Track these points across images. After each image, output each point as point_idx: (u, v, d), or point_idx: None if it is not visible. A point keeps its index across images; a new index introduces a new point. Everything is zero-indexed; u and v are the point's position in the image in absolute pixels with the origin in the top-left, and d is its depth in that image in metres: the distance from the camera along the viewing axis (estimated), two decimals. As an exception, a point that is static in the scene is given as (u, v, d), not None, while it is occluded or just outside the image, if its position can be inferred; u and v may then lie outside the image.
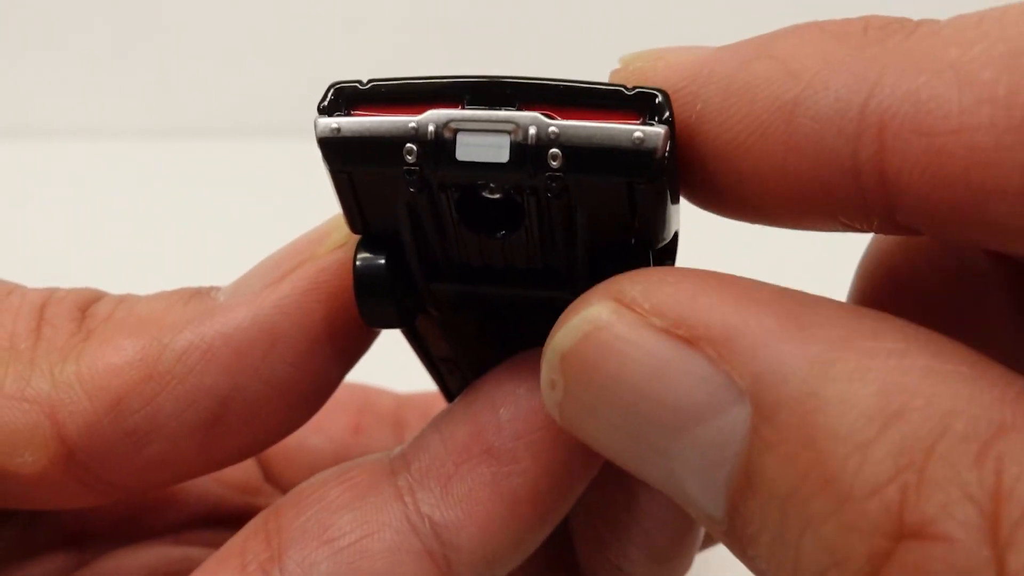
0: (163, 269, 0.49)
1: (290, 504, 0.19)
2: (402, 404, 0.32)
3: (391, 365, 0.28)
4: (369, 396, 0.31)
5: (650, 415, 0.15)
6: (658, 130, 0.16)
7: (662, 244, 0.18)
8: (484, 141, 0.16)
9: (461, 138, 0.16)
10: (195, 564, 0.19)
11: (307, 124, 0.17)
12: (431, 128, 0.16)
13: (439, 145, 0.16)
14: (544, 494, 0.19)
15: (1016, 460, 0.12)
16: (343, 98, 0.17)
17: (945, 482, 0.13)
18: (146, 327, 0.20)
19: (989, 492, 0.12)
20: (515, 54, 0.67)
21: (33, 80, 0.71)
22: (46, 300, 0.21)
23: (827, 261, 0.31)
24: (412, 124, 0.16)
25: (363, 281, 0.19)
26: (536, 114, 0.16)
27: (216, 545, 0.20)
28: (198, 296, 0.20)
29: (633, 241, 0.17)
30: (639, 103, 0.16)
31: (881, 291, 0.21)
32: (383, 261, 0.19)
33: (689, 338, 0.15)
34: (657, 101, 0.16)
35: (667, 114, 0.16)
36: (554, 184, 0.16)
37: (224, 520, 0.27)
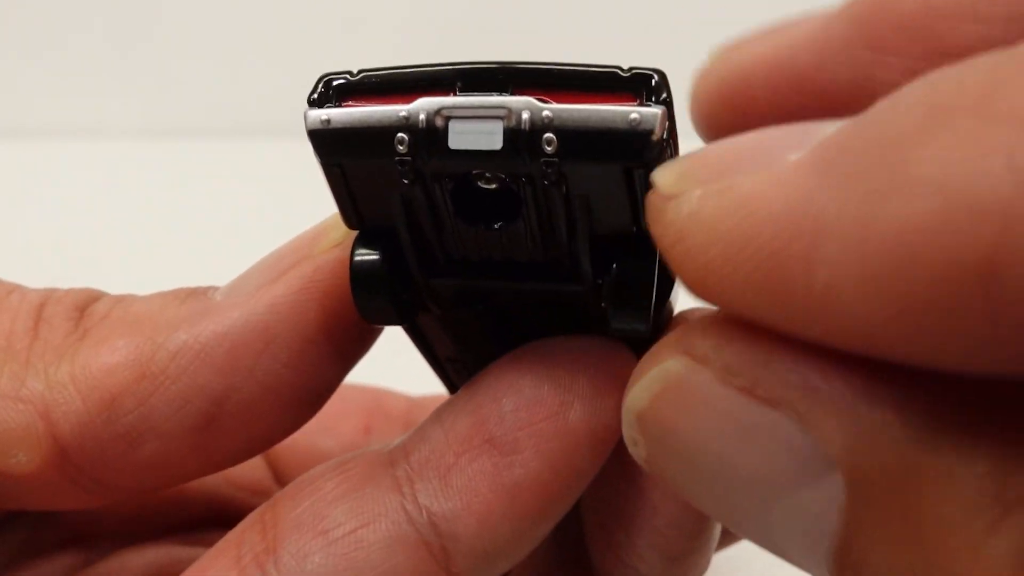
0: (162, 269, 0.49)
1: (287, 496, 0.19)
2: (414, 406, 0.31)
3: (403, 368, 0.28)
4: (380, 398, 0.31)
5: (738, 480, 0.14)
6: (655, 111, 0.15)
7: None
8: (477, 128, 0.16)
9: (453, 126, 0.16)
10: None
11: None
12: (422, 116, 0.16)
13: (431, 134, 0.16)
14: (546, 486, 0.18)
15: None
16: (333, 90, 0.17)
17: None
18: (141, 327, 0.20)
19: None
20: (516, 54, 0.67)
21: (33, 80, 0.71)
22: (45, 300, 0.21)
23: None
24: (403, 113, 0.16)
25: (359, 277, 0.18)
26: (529, 99, 0.16)
27: None
28: (194, 296, 0.20)
29: (635, 229, 0.17)
30: (636, 84, 0.16)
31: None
32: (380, 256, 0.18)
33: (771, 400, 0.14)
34: (654, 81, 0.16)
35: (664, 95, 0.16)
36: (550, 171, 0.16)
37: (233, 521, 0.27)
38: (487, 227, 0.17)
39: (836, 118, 0.14)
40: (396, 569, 0.18)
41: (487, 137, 0.16)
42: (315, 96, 0.17)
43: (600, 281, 0.18)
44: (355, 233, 0.19)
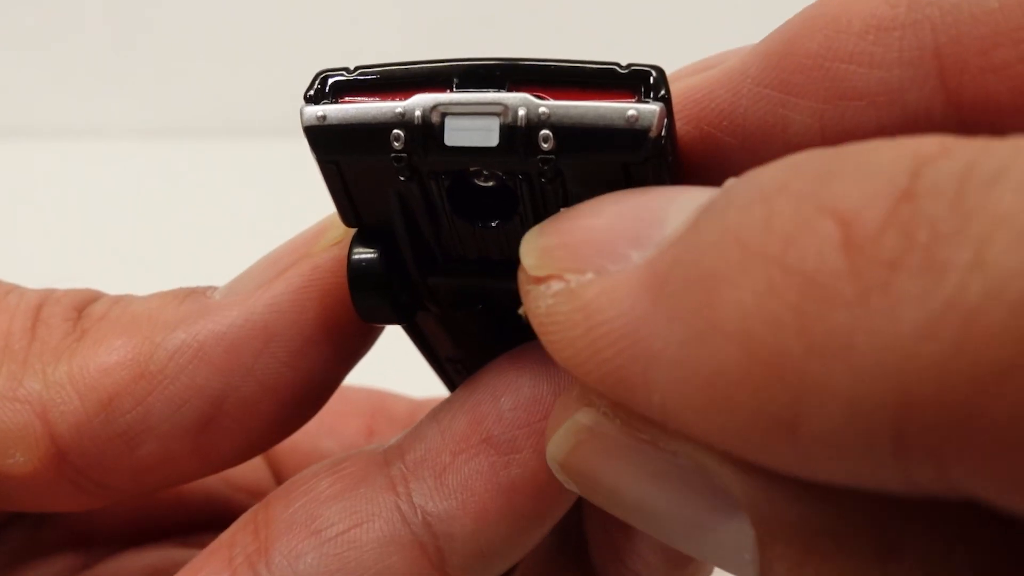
0: (161, 269, 0.49)
1: (280, 496, 0.19)
2: (417, 409, 0.31)
3: (406, 370, 0.28)
4: (383, 400, 0.31)
5: (661, 518, 0.15)
6: (653, 107, 0.15)
7: None
8: (473, 125, 0.16)
9: (449, 122, 0.16)
10: None
11: (303, 124, 0.17)
12: (418, 113, 0.16)
13: (427, 130, 0.16)
14: (543, 486, 0.18)
15: None
16: (330, 86, 0.17)
17: None
18: (139, 326, 0.20)
19: None
20: (513, 51, 0.67)
21: (33, 80, 0.71)
22: (43, 300, 0.21)
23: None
24: (399, 109, 0.16)
25: (357, 275, 0.18)
26: (526, 95, 0.16)
27: None
28: (193, 296, 0.20)
29: None
30: (634, 81, 0.16)
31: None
32: (377, 255, 0.18)
33: (672, 451, 0.14)
34: (652, 78, 0.16)
35: (663, 91, 0.15)
36: (546, 168, 0.16)
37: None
38: (484, 225, 0.17)
39: (707, 186, 0.14)
40: (390, 570, 0.18)
41: (483, 134, 0.16)
42: (311, 92, 0.17)
43: None
44: (352, 231, 0.19)
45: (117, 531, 0.25)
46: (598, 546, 0.24)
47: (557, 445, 0.16)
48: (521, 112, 0.16)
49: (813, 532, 0.13)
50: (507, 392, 0.19)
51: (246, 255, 0.21)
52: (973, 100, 0.16)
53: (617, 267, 0.14)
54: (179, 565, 0.21)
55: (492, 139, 0.16)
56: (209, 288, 0.21)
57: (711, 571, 0.24)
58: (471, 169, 0.16)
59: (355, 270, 0.18)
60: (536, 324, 0.15)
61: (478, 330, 0.21)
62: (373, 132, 0.16)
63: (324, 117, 0.16)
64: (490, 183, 0.17)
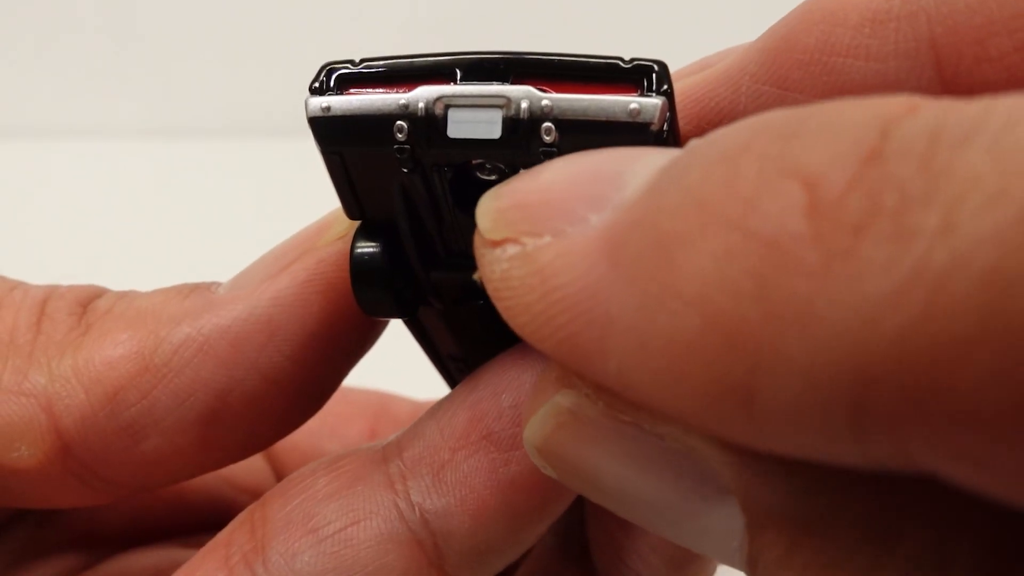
0: (164, 268, 0.49)
1: (277, 494, 0.19)
2: (419, 410, 0.31)
3: (409, 371, 0.28)
4: (386, 402, 0.31)
5: (645, 504, 0.15)
6: (655, 101, 0.15)
7: None
8: (476, 117, 0.16)
9: (452, 114, 0.16)
10: None
11: (307, 122, 0.17)
12: (421, 105, 0.16)
13: (430, 122, 0.16)
14: (542, 484, 0.18)
15: None
16: (335, 78, 0.17)
17: None
18: (144, 321, 0.20)
19: None
20: (517, 44, 0.67)
21: (33, 80, 0.71)
22: (47, 296, 0.21)
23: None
24: (402, 101, 0.16)
25: (359, 269, 0.18)
26: (528, 88, 0.16)
27: None
28: (197, 291, 0.20)
29: None
30: (636, 75, 0.16)
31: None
32: (380, 248, 0.18)
33: (659, 434, 0.14)
34: (655, 72, 0.16)
35: (665, 86, 0.16)
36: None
37: None
38: None
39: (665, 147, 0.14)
40: (387, 567, 0.18)
41: (486, 126, 0.16)
42: (317, 84, 0.17)
43: None
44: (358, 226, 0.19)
45: (119, 531, 0.25)
46: (599, 546, 0.24)
47: (534, 428, 0.16)
48: (524, 105, 0.16)
49: (805, 519, 0.13)
50: (508, 389, 0.19)
51: (248, 253, 0.22)
52: (969, 90, 0.16)
53: (575, 229, 0.13)
54: (180, 565, 0.21)
55: (495, 131, 0.16)
56: (213, 283, 0.21)
57: (714, 572, 0.24)
58: (474, 162, 0.17)
59: (358, 263, 0.18)
60: (491, 290, 0.14)
61: (480, 326, 0.21)
62: (376, 123, 0.16)
63: (328, 108, 0.16)
64: (492, 176, 0.17)
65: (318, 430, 0.21)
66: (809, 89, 0.17)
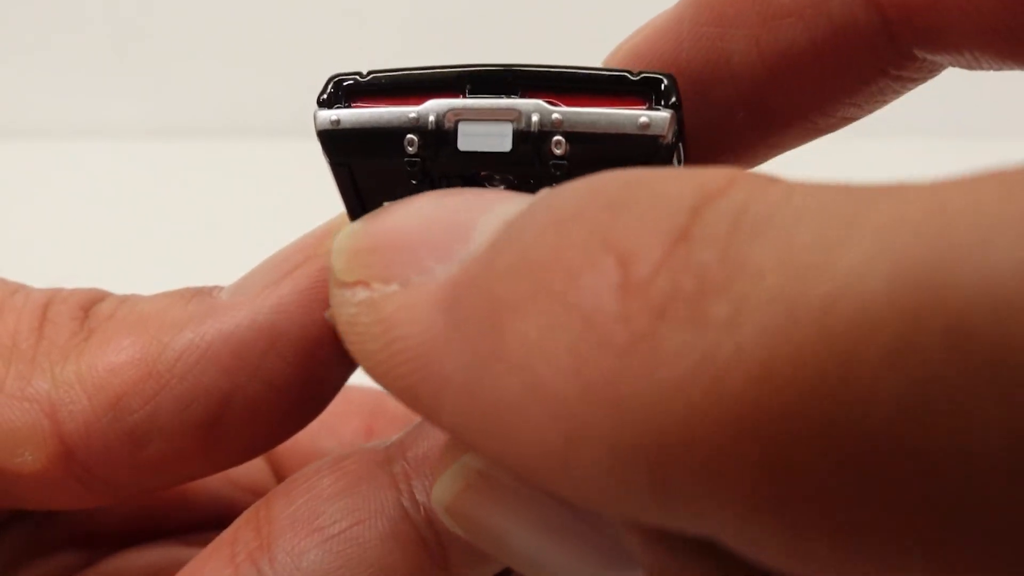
0: (166, 269, 0.49)
1: (281, 493, 0.19)
2: None
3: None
4: (383, 399, 0.31)
5: (553, 566, 0.15)
6: (664, 114, 0.15)
7: None
8: (486, 130, 0.16)
9: (463, 127, 0.16)
10: None
11: (309, 123, 0.17)
12: (432, 118, 0.16)
13: (440, 135, 0.16)
14: None
15: None
16: (342, 90, 0.17)
17: None
18: (146, 326, 0.20)
19: None
20: (525, 56, 0.67)
21: (33, 80, 0.71)
22: (50, 300, 0.21)
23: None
24: (413, 114, 0.16)
25: None
26: (539, 101, 0.16)
27: None
28: (200, 295, 0.20)
29: None
30: (645, 88, 0.16)
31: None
32: None
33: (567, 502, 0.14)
34: (664, 86, 0.16)
35: (674, 99, 0.16)
36: (559, 173, 0.16)
37: None
38: None
39: (524, 194, 0.14)
40: (392, 567, 0.18)
41: (497, 139, 0.16)
42: (324, 97, 0.17)
43: None
44: None
45: (119, 529, 0.25)
46: None
47: (444, 487, 0.15)
48: (534, 118, 0.16)
49: None
50: None
51: (248, 254, 0.22)
52: (892, 1, 0.16)
53: (420, 280, 0.13)
54: (181, 564, 0.21)
55: (505, 144, 0.16)
56: (215, 288, 0.21)
57: None
58: (482, 173, 0.17)
59: None
60: (340, 330, 0.14)
61: None
62: (387, 136, 0.16)
63: (338, 121, 0.17)
64: (500, 187, 0.17)
65: (315, 427, 0.21)
66: (745, 21, 0.17)
